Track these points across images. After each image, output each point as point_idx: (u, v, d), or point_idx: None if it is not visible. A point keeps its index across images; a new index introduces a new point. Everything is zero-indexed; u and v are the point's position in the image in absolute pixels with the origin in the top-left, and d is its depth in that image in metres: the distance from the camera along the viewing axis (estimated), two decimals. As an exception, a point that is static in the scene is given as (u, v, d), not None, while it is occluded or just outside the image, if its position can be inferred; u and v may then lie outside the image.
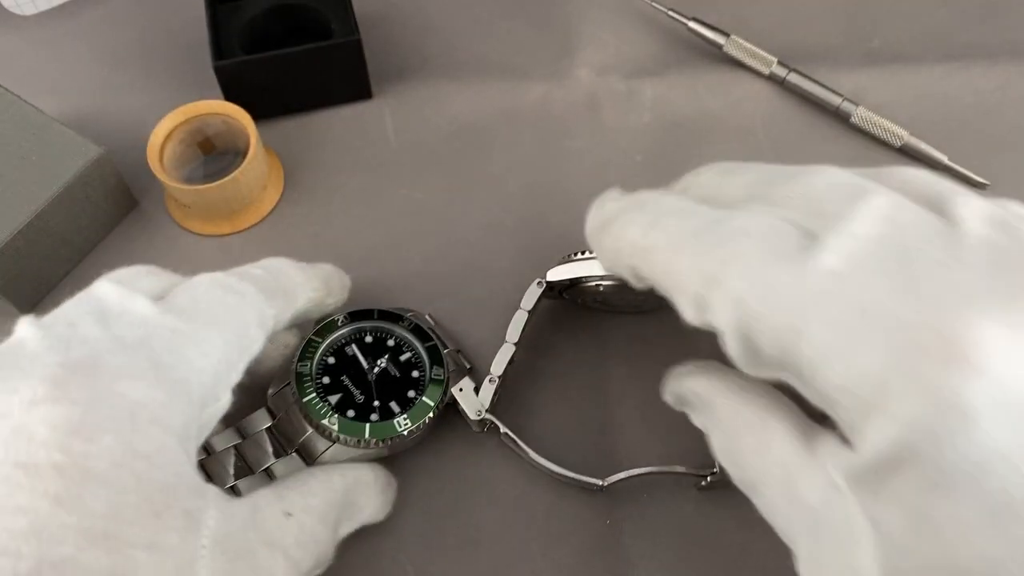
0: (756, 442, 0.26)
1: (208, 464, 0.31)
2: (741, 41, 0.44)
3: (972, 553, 0.21)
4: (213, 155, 0.42)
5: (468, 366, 0.36)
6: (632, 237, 0.28)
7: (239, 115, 0.39)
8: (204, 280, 0.29)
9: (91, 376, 0.24)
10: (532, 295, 0.35)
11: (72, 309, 0.27)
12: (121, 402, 0.24)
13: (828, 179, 0.26)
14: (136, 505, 0.23)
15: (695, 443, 0.33)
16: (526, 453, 0.33)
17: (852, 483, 0.23)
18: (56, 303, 0.28)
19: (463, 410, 0.34)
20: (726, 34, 0.44)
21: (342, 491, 0.30)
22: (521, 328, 0.34)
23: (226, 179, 0.38)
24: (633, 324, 0.37)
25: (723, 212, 0.26)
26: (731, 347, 0.25)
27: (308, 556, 0.28)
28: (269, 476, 0.32)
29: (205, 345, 0.27)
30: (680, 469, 0.33)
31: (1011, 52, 0.45)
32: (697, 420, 0.30)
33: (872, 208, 0.24)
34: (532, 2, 0.47)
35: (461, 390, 0.34)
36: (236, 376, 0.28)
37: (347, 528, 0.31)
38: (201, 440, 0.28)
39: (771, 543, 0.33)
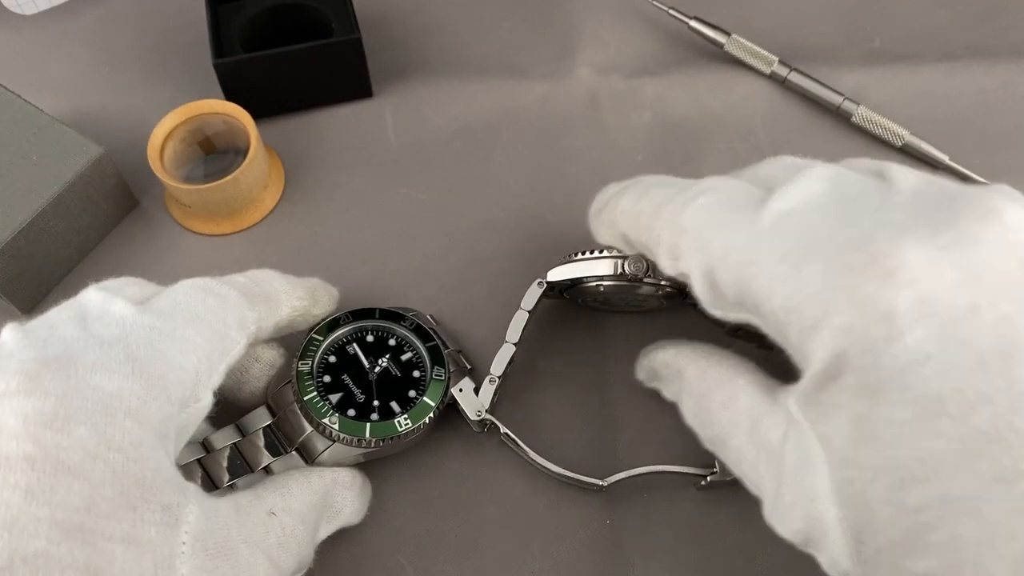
0: (724, 397, 0.29)
1: (207, 462, 0.31)
2: (742, 40, 0.44)
3: (908, 451, 0.22)
4: (213, 154, 0.42)
5: (469, 366, 0.36)
6: (624, 206, 0.31)
7: (239, 114, 0.39)
8: (185, 284, 0.29)
9: (65, 369, 0.24)
10: (532, 295, 0.35)
11: (55, 314, 0.27)
12: (96, 394, 0.24)
13: (782, 162, 0.29)
14: (111, 498, 0.23)
15: (695, 443, 0.33)
16: (526, 453, 0.33)
17: (803, 406, 0.25)
18: (56, 303, 0.28)
19: (463, 410, 0.34)
20: (727, 33, 0.44)
21: (321, 493, 0.30)
22: (521, 328, 0.34)
23: (226, 179, 0.38)
24: (633, 324, 0.37)
25: (697, 180, 0.29)
26: (698, 289, 0.28)
27: (289, 557, 0.28)
28: (268, 474, 0.32)
29: (184, 343, 0.27)
30: (680, 469, 0.33)
31: (1012, 52, 0.45)
32: (668, 391, 0.32)
33: (817, 171, 0.27)
34: (532, 2, 0.47)
35: (461, 390, 0.34)
36: (217, 378, 0.28)
37: (326, 530, 0.31)
38: (183, 441, 0.28)
39: (771, 543, 0.33)
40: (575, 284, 0.34)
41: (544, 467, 0.33)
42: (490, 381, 0.34)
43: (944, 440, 0.22)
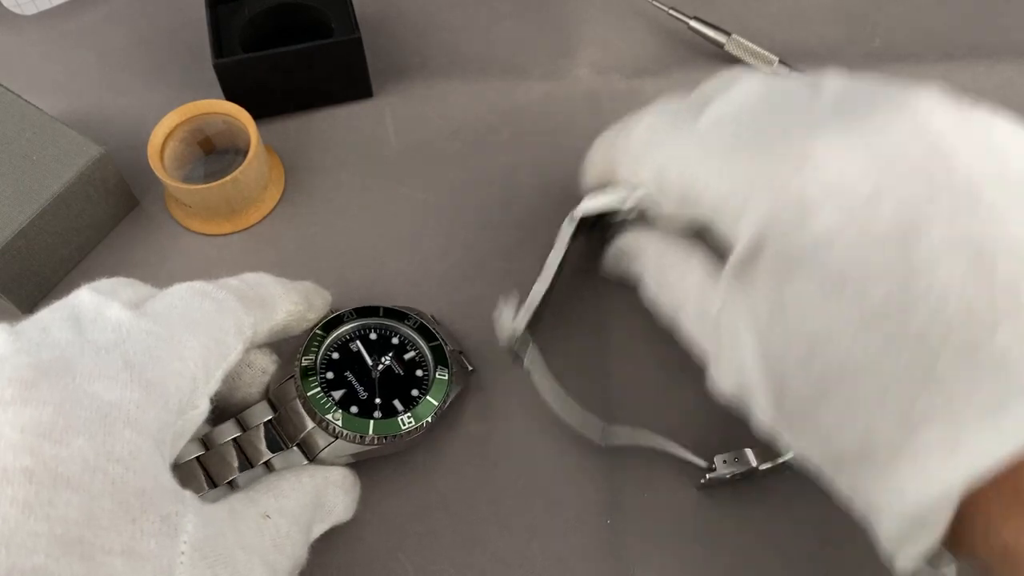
0: (679, 272, 0.31)
1: (206, 459, 0.31)
2: (742, 40, 0.44)
3: (814, 323, 0.25)
4: (213, 154, 0.42)
5: (471, 367, 0.36)
6: (591, 154, 0.35)
7: (239, 114, 0.39)
8: (181, 287, 0.29)
9: (62, 377, 0.24)
10: (566, 232, 0.35)
11: (47, 315, 0.27)
12: (94, 403, 0.24)
13: (724, 75, 0.31)
14: (111, 510, 0.23)
15: (695, 438, 0.33)
16: (544, 387, 0.34)
17: (730, 284, 0.27)
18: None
19: (498, 329, 0.34)
20: (727, 33, 0.44)
21: (314, 493, 0.30)
22: (559, 263, 0.35)
23: (227, 178, 0.38)
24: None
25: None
26: (654, 195, 0.31)
27: (285, 559, 0.28)
28: (269, 470, 0.32)
29: (181, 349, 0.27)
30: (680, 452, 0.33)
31: (1011, 52, 0.45)
32: (632, 269, 0.34)
33: (751, 78, 0.30)
34: (532, 2, 0.47)
35: (500, 311, 0.34)
36: (214, 384, 0.28)
37: (319, 529, 0.31)
38: (178, 447, 0.28)
39: (771, 543, 0.33)
40: (601, 220, 0.35)
41: (554, 406, 0.34)
42: (527, 309, 0.34)
43: (844, 313, 0.24)
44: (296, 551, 0.29)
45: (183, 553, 0.24)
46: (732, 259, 0.27)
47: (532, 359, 0.34)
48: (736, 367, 0.28)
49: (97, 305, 0.27)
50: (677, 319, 0.31)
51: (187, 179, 0.41)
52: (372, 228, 0.40)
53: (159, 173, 0.38)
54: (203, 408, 0.28)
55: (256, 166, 0.39)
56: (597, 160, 0.35)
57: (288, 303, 0.32)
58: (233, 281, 0.31)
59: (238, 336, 0.29)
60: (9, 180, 0.36)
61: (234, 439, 0.32)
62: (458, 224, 0.40)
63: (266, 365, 0.33)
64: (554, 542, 0.33)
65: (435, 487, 0.34)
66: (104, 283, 0.29)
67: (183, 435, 0.28)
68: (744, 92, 0.29)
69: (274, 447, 0.32)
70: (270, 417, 0.32)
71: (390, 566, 0.33)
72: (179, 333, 0.27)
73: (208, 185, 0.38)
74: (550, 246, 0.36)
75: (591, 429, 0.34)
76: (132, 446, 0.24)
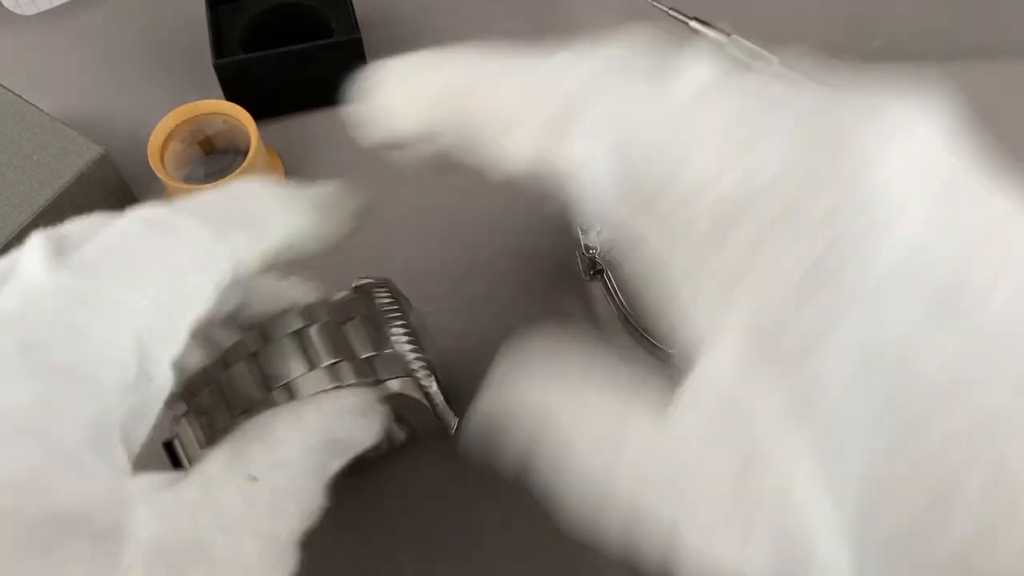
0: (616, 412, 0.23)
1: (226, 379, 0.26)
2: (743, 41, 0.44)
3: (925, 367, 0.17)
4: (213, 154, 0.42)
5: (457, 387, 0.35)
6: (448, 74, 0.24)
7: (239, 114, 0.39)
8: (125, 220, 0.22)
9: None
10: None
11: None
12: None
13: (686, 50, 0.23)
14: (8, 549, 0.17)
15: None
16: (620, 300, 0.36)
17: (748, 366, 0.18)
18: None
19: (580, 242, 0.37)
20: (727, 34, 0.44)
21: (320, 430, 0.24)
22: None
23: (227, 179, 0.38)
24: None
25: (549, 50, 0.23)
26: (605, 176, 0.22)
27: (287, 520, 0.22)
28: (290, 393, 0.25)
29: (113, 306, 0.20)
30: None
31: (1011, 52, 0.45)
32: (513, 449, 0.25)
33: (698, 55, 0.22)
34: (532, 2, 0.47)
35: (583, 231, 0.37)
36: (176, 346, 0.21)
37: (338, 464, 0.24)
38: (142, 431, 0.22)
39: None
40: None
41: (632, 319, 0.36)
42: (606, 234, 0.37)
43: (964, 342, 0.17)
44: (304, 504, 0.22)
45: (132, 567, 0.18)
46: (769, 303, 0.18)
47: (608, 283, 0.37)
48: (774, 519, 0.18)
49: (26, 257, 0.20)
50: (640, 492, 0.21)
51: (187, 179, 0.40)
52: (372, 228, 0.40)
53: (159, 173, 0.38)
54: (163, 379, 0.21)
55: (256, 166, 0.39)
56: (440, 89, 0.24)
57: (289, 216, 0.24)
58: (208, 197, 0.23)
59: (205, 274, 0.22)
60: (9, 180, 0.36)
61: (253, 353, 0.26)
62: (458, 224, 0.40)
63: (300, 296, 0.27)
64: (554, 543, 0.33)
65: (435, 488, 0.34)
66: (71, 225, 0.22)
67: (143, 415, 0.21)
68: (705, 66, 0.21)
69: (308, 363, 0.26)
70: (300, 327, 0.26)
71: (390, 567, 0.33)
72: (111, 286, 0.20)
73: (208, 185, 0.38)
74: (550, 249, 0.37)
75: (662, 355, 0.36)
76: (32, 460, 0.18)
